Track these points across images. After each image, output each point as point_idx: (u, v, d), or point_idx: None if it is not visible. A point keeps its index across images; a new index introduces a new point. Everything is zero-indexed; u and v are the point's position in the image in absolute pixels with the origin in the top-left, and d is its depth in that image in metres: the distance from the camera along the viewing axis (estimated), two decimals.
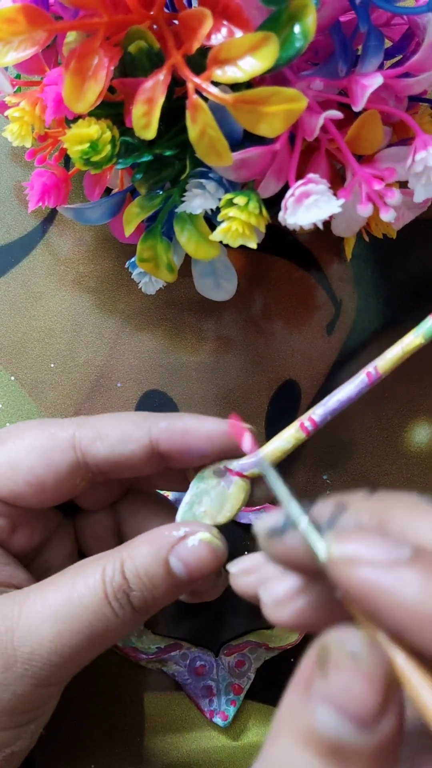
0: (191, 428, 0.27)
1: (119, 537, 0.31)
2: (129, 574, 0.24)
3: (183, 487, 0.28)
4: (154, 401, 0.37)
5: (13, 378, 0.37)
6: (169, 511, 0.30)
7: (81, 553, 0.31)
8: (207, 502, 0.27)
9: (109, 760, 0.33)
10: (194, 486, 0.27)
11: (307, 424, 0.27)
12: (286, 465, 0.36)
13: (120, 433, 0.27)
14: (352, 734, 0.16)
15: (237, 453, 0.27)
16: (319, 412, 0.27)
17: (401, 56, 0.32)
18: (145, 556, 0.24)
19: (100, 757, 0.33)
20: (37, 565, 0.30)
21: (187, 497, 0.27)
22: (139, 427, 0.27)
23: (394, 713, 0.17)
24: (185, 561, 0.24)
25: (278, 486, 0.22)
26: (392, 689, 0.17)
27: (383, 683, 0.16)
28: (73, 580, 0.25)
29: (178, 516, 0.27)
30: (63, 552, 0.30)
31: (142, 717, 0.34)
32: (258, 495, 0.28)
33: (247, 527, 0.35)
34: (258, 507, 0.35)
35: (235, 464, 0.27)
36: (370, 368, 0.26)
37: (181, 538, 0.25)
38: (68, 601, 0.24)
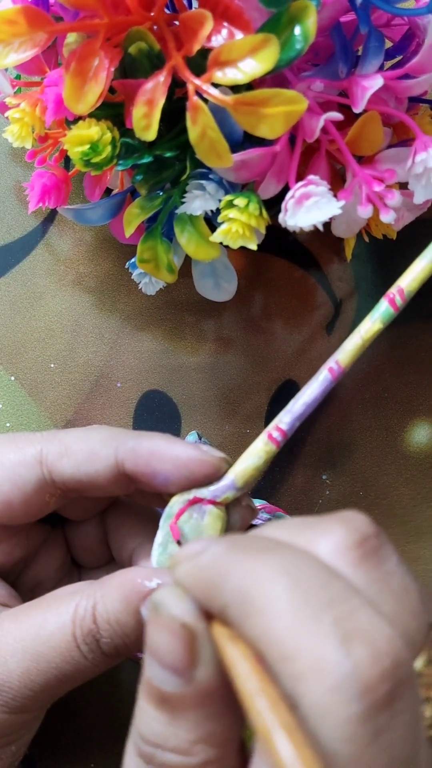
0: (158, 451, 0.25)
1: (109, 547, 0.30)
2: (100, 619, 0.23)
3: (164, 505, 0.26)
4: (154, 401, 0.37)
5: (13, 378, 0.37)
6: (156, 522, 0.27)
7: (75, 561, 0.31)
8: (183, 537, 0.25)
9: (109, 760, 0.33)
10: (164, 523, 0.25)
11: (276, 434, 0.25)
12: (285, 465, 0.36)
13: (87, 451, 0.26)
14: (171, 683, 0.18)
15: (207, 479, 0.25)
16: (286, 419, 0.25)
17: (401, 57, 0.32)
18: (116, 602, 0.23)
19: (100, 757, 0.33)
20: (25, 580, 0.29)
21: (159, 537, 0.25)
22: (106, 446, 0.26)
23: (208, 665, 0.18)
24: None
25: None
26: (197, 641, 0.19)
27: (184, 635, 0.19)
28: (45, 614, 0.24)
29: (153, 558, 0.25)
30: (53, 564, 0.30)
31: None
32: (234, 520, 0.26)
33: (249, 527, 0.36)
34: (259, 506, 0.35)
35: (206, 492, 0.25)
36: (331, 363, 0.25)
37: (153, 589, 0.23)
38: (37, 639, 0.23)
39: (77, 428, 0.28)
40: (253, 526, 0.35)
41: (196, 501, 0.25)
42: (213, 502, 0.25)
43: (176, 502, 0.25)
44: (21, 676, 0.23)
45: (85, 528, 0.30)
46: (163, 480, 0.25)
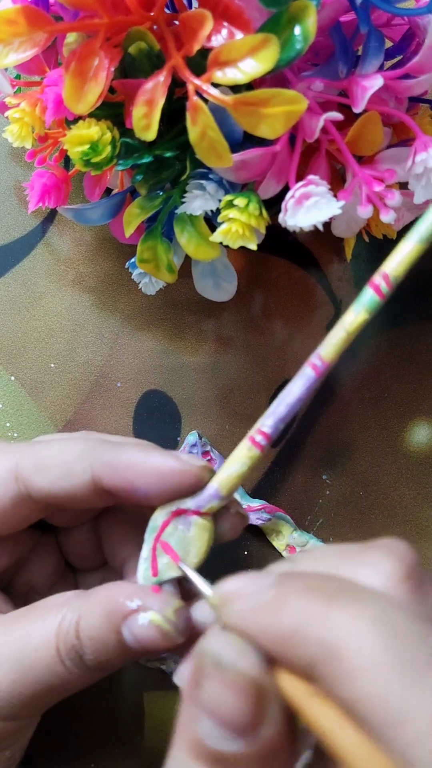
0: (135, 464, 0.24)
1: (103, 551, 0.30)
2: (83, 635, 0.22)
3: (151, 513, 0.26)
4: (154, 401, 0.37)
5: (13, 378, 0.37)
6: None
7: (70, 564, 0.30)
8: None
9: (109, 760, 0.33)
10: (149, 537, 0.24)
11: (259, 438, 0.24)
12: (285, 465, 0.36)
13: (62, 466, 0.25)
14: (232, 743, 0.17)
15: (189, 490, 0.24)
16: (269, 422, 0.24)
17: (401, 57, 0.32)
18: (98, 619, 0.22)
19: (100, 757, 0.33)
20: (17, 586, 0.29)
21: (144, 551, 0.24)
22: (81, 460, 0.25)
23: (274, 720, 0.17)
24: (135, 636, 0.22)
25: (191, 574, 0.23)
26: (265, 698, 0.17)
27: (252, 692, 0.17)
28: (32, 626, 0.23)
29: (139, 574, 0.24)
30: (45, 570, 0.29)
31: (142, 717, 0.34)
32: (224, 529, 0.25)
33: (248, 527, 0.36)
34: (259, 507, 0.35)
35: (190, 502, 0.24)
36: (314, 359, 0.23)
37: (134, 611, 0.22)
38: (22, 651, 0.23)
39: (55, 439, 0.27)
40: (255, 527, 0.35)
41: (179, 513, 0.24)
42: (198, 513, 0.24)
43: (160, 515, 0.24)
44: (9, 686, 0.23)
45: (76, 534, 0.29)
46: (143, 494, 0.24)
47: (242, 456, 0.24)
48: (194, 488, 0.24)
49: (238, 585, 0.19)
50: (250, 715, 0.17)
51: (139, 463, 0.24)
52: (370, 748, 0.15)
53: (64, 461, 0.25)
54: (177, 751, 0.18)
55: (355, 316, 0.23)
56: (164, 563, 0.24)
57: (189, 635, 0.23)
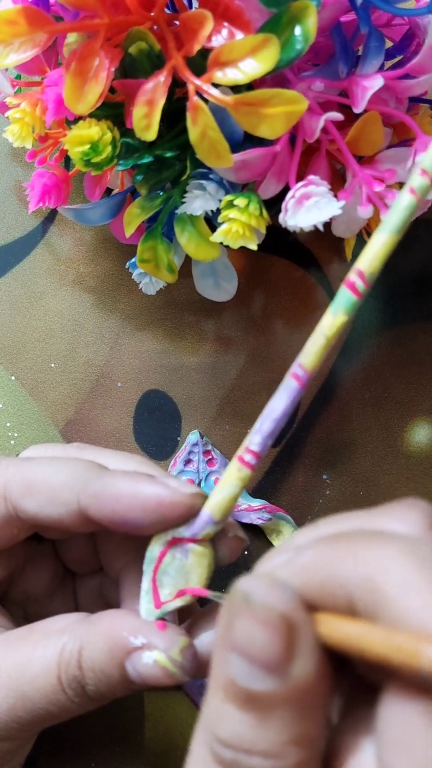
0: (123, 496, 0.23)
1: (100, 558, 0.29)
2: (85, 666, 0.22)
3: None
4: (155, 401, 0.37)
5: (13, 378, 0.37)
6: (144, 541, 0.25)
7: (69, 570, 0.30)
8: (168, 583, 0.23)
9: (109, 760, 0.33)
10: (147, 568, 0.24)
11: (248, 458, 0.23)
12: (285, 465, 0.36)
13: (49, 492, 0.24)
14: (263, 681, 0.16)
15: (182, 520, 0.23)
16: (256, 440, 0.23)
17: (402, 57, 0.32)
18: (101, 652, 0.22)
19: (100, 757, 0.33)
20: (14, 595, 0.28)
21: (145, 583, 0.23)
22: (68, 489, 0.24)
23: (308, 658, 0.17)
24: (140, 674, 0.22)
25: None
26: (297, 634, 0.17)
27: (282, 627, 0.17)
28: (32, 652, 0.23)
29: (141, 608, 0.23)
30: (43, 578, 0.29)
31: (142, 717, 0.34)
32: (223, 553, 0.24)
33: (248, 527, 0.36)
34: (259, 507, 0.35)
35: (185, 530, 0.23)
36: (294, 369, 0.22)
37: (138, 648, 0.22)
38: (21, 678, 0.22)
39: (45, 457, 0.26)
40: (256, 527, 0.35)
41: (175, 542, 0.23)
42: (194, 541, 0.23)
43: (156, 545, 0.24)
44: (7, 711, 0.22)
45: (74, 542, 0.29)
46: (133, 526, 0.23)
47: (233, 478, 0.23)
48: (187, 517, 0.23)
49: (275, 558, 0.19)
50: (280, 650, 0.16)
51: (128, 495, 0.23)
52: (401, 636, 0.15)
53: (52, 488, 0.24)
54: (212, 695, 0.18)
55: (333, 318, 0.22)
56: (166, 594, 0.23)
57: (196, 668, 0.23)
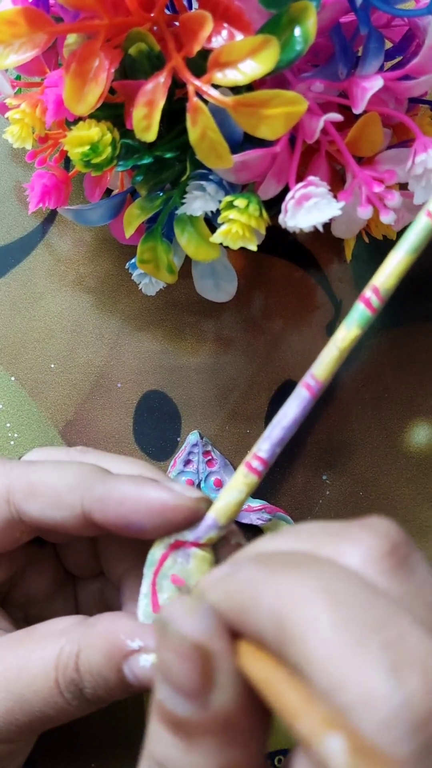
0: (128, 500, 0.23)
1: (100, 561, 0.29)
2: (83, 669, 0.22)
3: None
4: (154, 401, 0.37)
5: (13, 378, 0.37)
6: (146, 545, 0.25)
7: (70, 573, 0.30)
8: (168, 586, 0.23)
9: (109, 760, 0.33)
10: (147, 572, 0.24)
11: (256, 464, 0.23)
12: (285, 465, 0.36)
13: (53, 495, 0.24)
14: (184, 707, 0.17)
15: (186, 523, 0.23)
16: (265, 447, 0.23)
17: (401, 58, 0.32)
18: (99, 655, 0.22)
19: (100, 757, 0.33)
20: (15, 598, 0.28)
21: (144, 586, 0.23)
22: (72, 492, 0.24)
23: (226, 689, 0.17)
24: (137, 676, 0.22)
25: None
26: (212, 663, 0.17)
27: (196, 658, 0.17)
28: (30, 655, 0.23)
29: (139, 611, 0.23)
30: (43, 581, 0.29)
31: (142, 717, 0.34)
32: (223, 559, 0.24)
33: (248, 528, 0.36)
34: (259, 507, 0.35)
35: (188, 534, 0.23)
36: (307, 379, 0.23)
37: (135, 651, 0.22)
38: (19, 681, 0.22)
39: (49, 460, 0.26)
40: (255, 527, 0.35)
41: (177, 545, 0.23)
42: (196, 545, 0.23)
43: (158, 548, 0.24)
44: (5, 714, 0.22)
45: (75, 546, 0.29)
46: (137, 529, 0.23)
47: (239, 483, 0.23)
48: (191, 521, 0.23)
49: (219, 570, 0.19)
50: (196, 680, 0.17)
51: (132, 498, 0.23)
52: (310, 704, 0.15)
53: (55, 491, 0.24)
54: (152, 715, 0.18)
55: (347, 332, 0.22)
56: (165, 598, 0.23)
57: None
